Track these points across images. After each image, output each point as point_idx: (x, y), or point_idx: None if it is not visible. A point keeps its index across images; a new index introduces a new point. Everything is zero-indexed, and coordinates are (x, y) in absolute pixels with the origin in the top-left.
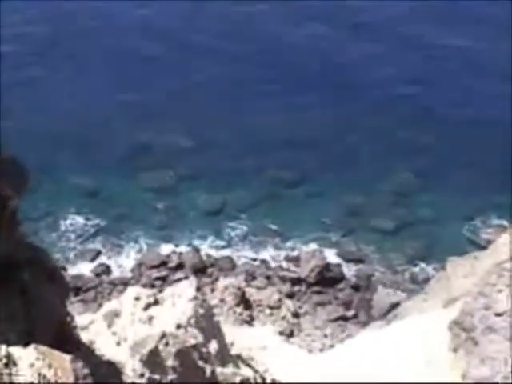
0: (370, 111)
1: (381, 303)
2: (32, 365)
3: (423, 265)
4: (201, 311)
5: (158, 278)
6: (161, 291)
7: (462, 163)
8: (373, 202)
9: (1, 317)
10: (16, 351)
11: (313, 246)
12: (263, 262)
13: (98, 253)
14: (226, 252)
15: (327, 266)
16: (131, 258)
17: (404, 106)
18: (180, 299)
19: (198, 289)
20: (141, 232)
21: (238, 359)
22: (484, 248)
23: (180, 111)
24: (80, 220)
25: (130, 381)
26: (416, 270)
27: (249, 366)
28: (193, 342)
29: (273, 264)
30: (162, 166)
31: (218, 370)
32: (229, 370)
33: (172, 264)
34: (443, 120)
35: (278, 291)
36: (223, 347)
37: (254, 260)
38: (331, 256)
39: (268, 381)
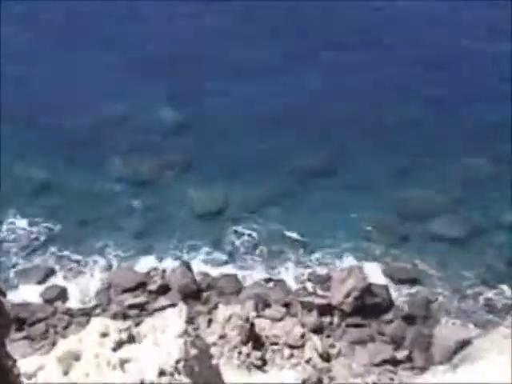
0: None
1: (444, 341)
2: None
3: (503, 287)
4: (193, 351)
5: (133, 306)
6: (138, 324)
7: None
8: (431, 199)
9: None
10: None
11: (349, 260)
12: (279, 282)
13: (50, 271)
14: (229, 269)
15: (369, 289)
16: (96, 279)
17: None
18: (164, 335)
19: (190, 320)
20: (110, 241)
21: None
22: None
23: (166, 74)
24: (23, 225)
25: None
26: (493, 294)
27: None
28: None
29: (293, 286)
30: (140, 148)
31: None
32: None
33: (153, 286)
34: None
35: (301, 324)
36: None
37: (268, 281)
38: (374, 274)
39: None
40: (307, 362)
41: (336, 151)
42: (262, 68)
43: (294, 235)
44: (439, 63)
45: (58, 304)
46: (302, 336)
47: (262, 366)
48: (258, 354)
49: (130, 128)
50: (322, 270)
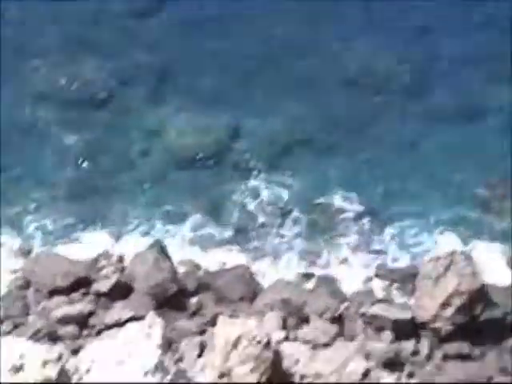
0: None
1: None
2: None
3: None
4: None
5: (68, 319)
6: (76, 351)
7: None
8: None
9: None
10: None
11: (446, 240)
12: (324, 280)
13: None
14: (234, 255)
15: (483, 293)
16: (4, 271)
17: None
18: (122, 372)
19: (168, 346)
20: (28, 203)
21: None
22: None
23: None
24: None
25: None
26: None
27: None
28: None
29: (349, 286)
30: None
31: None
32: None
33: (103, 284)
34: None
35: (364, 353)
36: None
37: (304, 277)
38: (492, 267)
39: None
40: None
41: None
42: None
43: (349, 196)
44: None
45: None
46: (365, 375)
47: None
48: None
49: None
50: (400, 260)
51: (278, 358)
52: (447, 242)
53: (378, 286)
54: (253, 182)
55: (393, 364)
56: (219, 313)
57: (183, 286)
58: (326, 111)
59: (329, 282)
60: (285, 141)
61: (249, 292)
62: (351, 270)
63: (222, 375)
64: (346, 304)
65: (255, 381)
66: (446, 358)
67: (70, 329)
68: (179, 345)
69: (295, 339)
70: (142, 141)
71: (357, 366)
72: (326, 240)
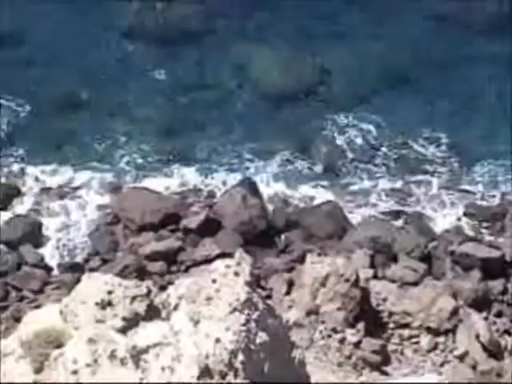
0: None
1: None
2: None
3: None
4: (260, 337)
5: (157, 256)
6: (164, 287)
7: None
8: None
9: None
10: None
11: None
12: (413, 218)
13: (12, 192)
14: (323, 192)
15: None
16: (91, 207)
17: None
18: (210, 308)
19: (256, 282)
20: (115, 139)
21: None
22: None
23: None
24: None
25: None
26: None
27: None
28: None
29: (439, 225)
30: None
31: None
32: None
33: (192, 221)
34: None
35: (452, 292)
36: None
37: (394, 214)
38: None
39: None
40: (461, 358)
41: None
42: None
43: (438, 135)
44: None
45: (25, 250)
46: (454, 313)
47: (381, 364)
48: (376, 343)
49: None
50: (489, 199)
51: (365, 296)
52: None
53: (467, 225)
54: (341, 119)
55: (481, 303)
56: (307, 250)
57: (272, 223)
58: (416, 49)
59: (418, 220)
60: (374, 78)
61: (337, 229)
62: (440, 208)
63: (309, 312)
64: (434, 243)
65: (343, 317)
66: None
67: (159, 265)
68: (267, 282)
69: (383, 277)
70: (232, 77)
71: (445, 305)
72: (415, 178)
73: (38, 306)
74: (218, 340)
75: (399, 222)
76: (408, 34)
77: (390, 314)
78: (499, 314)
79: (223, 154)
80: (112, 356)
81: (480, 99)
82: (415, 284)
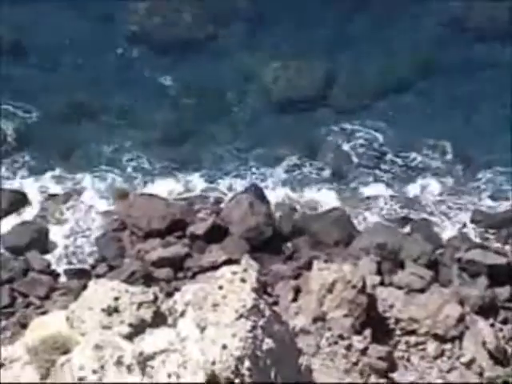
0: None
1: None
2: None
3: None
4: (267, 344)
5: (163, 262)
6: (171, 294)
7: None
8: None
9: None
10: None
11: None
12: (420, 225)
13: (19, 198)
14: (331, 198)
15: None
16: (98, 213)
17: None
18: (217, 314)
19: (263, 289)
20: (122, 144)
21: None
22: None
23: None
24: None
25: None
26: None
27: None
28: None
29: (446, 231)
30: None
31: None
32: None
33: (198, 227)
34: None
35: (458, 299)
36: None
37: (401, 221)
38: None
39: None
40: (467, 365)
41: None
42: None
43: (443, 142)
44: None
45: (32, 256)
46: (460, 320)
47: (387, 370)
48: (382, 349)
49: None
50: (495, 206)
51: (372, 302)
52: None
53: (474, 232)
54: (347, 125)
55: (487, 310)
56: (314, 257)
57: (278, 229)
58: (421, 55)
59: (425, 227)
60: (379, 85)
61: (344, 236)
62: (447, 215)
63: (316, 319)
64: (441, 249)
65: (350, 323)
66: None
67: (165, 271)
68: (274, 288)
69: (390, 284)
70: (238, 84)
71: (451, 312)
72: (421, 184)
73: (44, 312)
74: (224, 346)
75: (406, 229)
76: (414, 41)
77: (397, 320)
78: (506, 321)
79: (229, 159)
80: (118, 362)
81: (485, 106)
82: (422, 291)
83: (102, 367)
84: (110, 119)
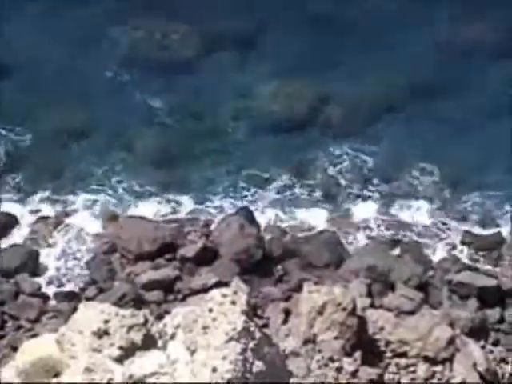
0: None
1: None
2: None
3: None
4: (257, 366)
5: (153, 285)
6: (161, 316)
7: None
8: None
9: None
10: None
11: None
12: (411, 246)
13: (9, 220)
14: (321, 219)
15: None
16: (88, 235)
17: None
18: (207, 337)
19: (253, 311)
20: (112, 166)
21: None
22: None
23: None
24: None
25: None
26: None
27: None
28: None
29: (436, 253)
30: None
31: None
32: None
33: (188, 250)
34: None
35: (449, 321)
36: None
37: (392, 243)
38: None
39: None
40: None
41: None
42: None
43: (433, 164)
44: None
45: (23, 279)
46: (451, 342)
47: None
48: (372, 371)
49: None
50: (485, 227)
51: (362, 324)
52: None
53: (464, 253)
54: (338, 147)
55: (478, 332)
56: (304, 279)
57: (269, 251)
58: (413, 78)
59: (414, 249)
60: (371, 107)
61: (335, 258)
62: (437, 237)
63: (306, 341)
64: (431, 272)
65: (340, 345)
66: None
67: (156, 294)
68: (264, 311)
69: (380, 306)
70: (229, 105)
71: (442, 334)
72: (411, 207)
73: (34, 335)
74: (214, 369)
75: (396, 251)
76: (404, 64)
77: (387, 342)
78: (496, 343)
79: (220, 181)
80: None
81: (474, 129)
82: (412, 313)
83: None
84: (100, 141)
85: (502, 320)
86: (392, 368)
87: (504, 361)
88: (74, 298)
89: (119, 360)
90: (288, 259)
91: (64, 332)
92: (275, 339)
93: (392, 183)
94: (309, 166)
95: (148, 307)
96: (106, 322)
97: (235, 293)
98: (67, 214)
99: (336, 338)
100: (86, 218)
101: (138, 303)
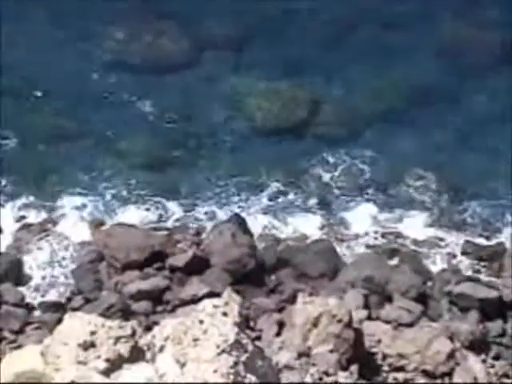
0: None
1: None
2: None
3: None
4: (250, 381)
5: (142, 295)
6: (149, 328)
7: None
8: None
9: None
10: None
11: None
12: (409, 257)
13: None
14: (314, 229)
15: None
16: (74, 243)
17: None
18: (197, 349)
19: (245, 323)
20: (100, 171)
21: None
22: None
23: None
24: None
25: None
26: None
27: None
28: None
29: (435, 264)
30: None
31: None
32: None
33: (178, 259)
34: None
35: (449, 334)
36: None
37: (389, 253)
38: None
39: None
40: None
41: None
42: None
43: (432, 172)
44: None
45: (6, 289)
46: (450, 356)
47: None
48: None
49: None
50: (487, 237)
51: (359, 337)
52: None
53: (464, 264)
54: (332, 153)
55: (479, 345)
56: (299, 290)
57: (262, 261)
58: (410, 83)
59: (413, 259)
60: (367, 112)
61: (330, 268)
62: (436, 247)
63: (300, 354)
64: (430, 283)
65: (335, 359)
66: None
67: (144, 304)
68: (257, 322)
69: (377, 318)
70: (220, 110)
71: (441, 347)
72: (410, 215)
73: (18, 347)
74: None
75: (394, 261)
76: (402, 69)
77: (385, 356)
78: (498, 357)
79: (211, 187)
80: None
81: (475, 135)
82: (410, 325)
83: None
84: (87, 146)
85: (503, 333)
86: (390, 382)
87: (506, 375)
88: (59, 308)
89: (106, 373)
90: (282, 269)
91: (49, 344)
92: (268, 352)
93: (389, 191)
94: (303, 172)
95: (136, 318)
96: (93, 333)
97: (227, 304)
98: (53, 221)
99: (331, 351)
100: (72, 225)
101: (126, 314)
